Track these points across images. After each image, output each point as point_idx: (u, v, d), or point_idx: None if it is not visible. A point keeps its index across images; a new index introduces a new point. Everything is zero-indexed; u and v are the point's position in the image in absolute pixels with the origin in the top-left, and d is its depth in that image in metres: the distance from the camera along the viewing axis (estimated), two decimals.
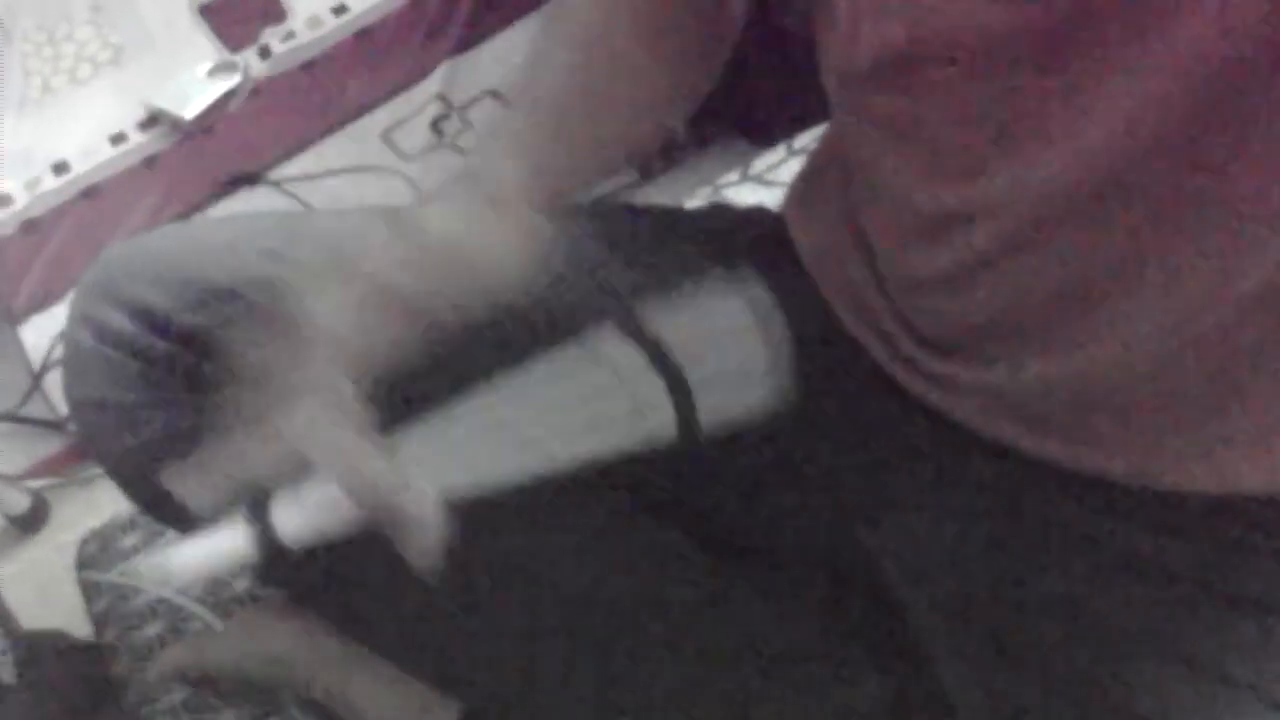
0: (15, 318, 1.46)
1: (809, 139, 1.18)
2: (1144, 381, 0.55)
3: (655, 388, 0.52)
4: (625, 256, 0.73)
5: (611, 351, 0.53)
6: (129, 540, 1.06)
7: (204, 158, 1.60)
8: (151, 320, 0.71)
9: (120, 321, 0.72)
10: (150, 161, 1.61)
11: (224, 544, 0.51)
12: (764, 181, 1.17)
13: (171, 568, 0.52)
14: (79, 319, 0.74)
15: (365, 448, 0.51)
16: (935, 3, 0.49)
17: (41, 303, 1.47)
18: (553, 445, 0.52)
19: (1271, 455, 0.56)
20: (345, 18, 1.73)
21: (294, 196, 1.51)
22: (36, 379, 1.37)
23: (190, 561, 0.52)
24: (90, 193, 1.59)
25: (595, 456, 0.53)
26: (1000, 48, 0.48)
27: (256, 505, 0.51)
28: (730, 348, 0.54)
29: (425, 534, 0.50)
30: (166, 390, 0.72)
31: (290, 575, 0.79)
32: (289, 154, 1.58)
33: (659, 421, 0.52)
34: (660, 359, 0.52)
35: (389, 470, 0.50)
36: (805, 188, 0.77)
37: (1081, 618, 0.62)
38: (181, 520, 0.81)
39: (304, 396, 0.52)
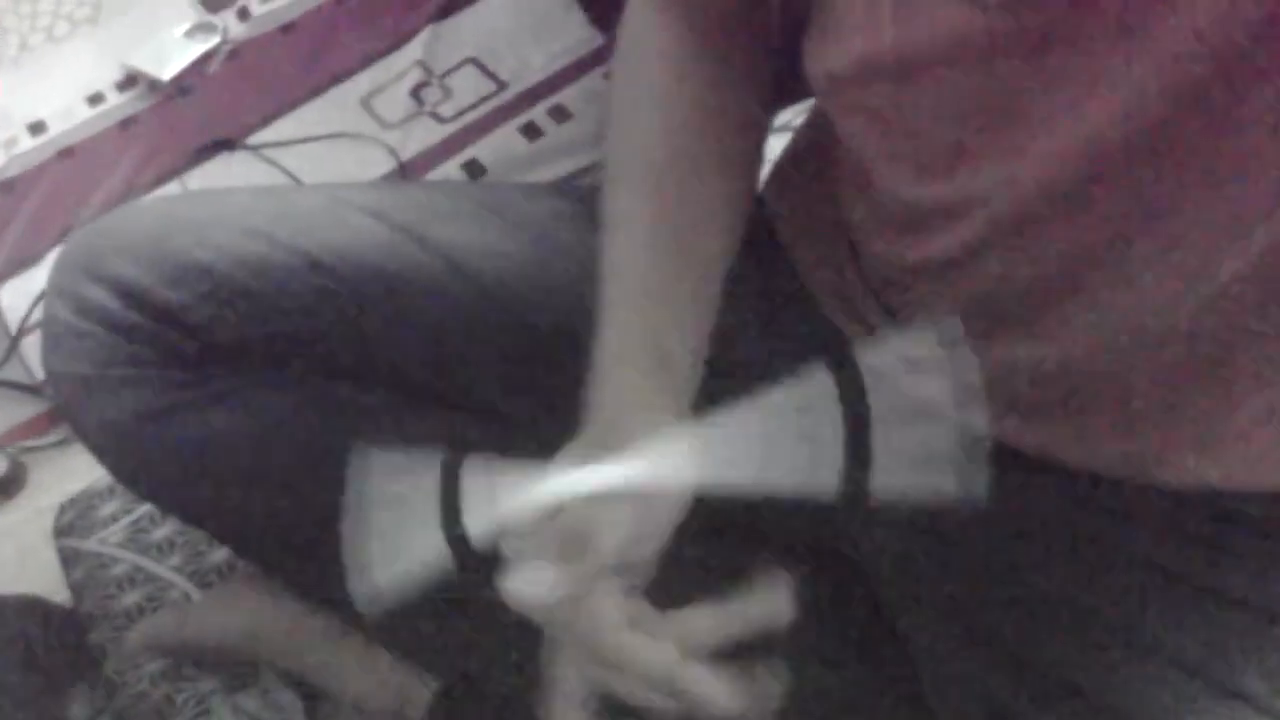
0: None
1: (790, 115, 1.18)
2: (1126, 370, 0.55)
3: (833, 421, 0.49)
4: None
5: (812, 385, 0.50)
6: (107, 508, 1.07)
7: (181, 120, 1.58)
8: (130, 295, 0.71)
9: (98, 296, 0.72)
10: (127, 123, 1.60)
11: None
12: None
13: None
14: (57, 292, 0.74)
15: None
16: (924, 9, 0.49)
17: (18, 265, 1.46)
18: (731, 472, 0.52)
19: (1262, 449, 0.56)
20: None
21: (272, 162, 1.50)
22: (14, 342, 1.36)
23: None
24: (66, 154, 1.57)
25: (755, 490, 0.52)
26: (990, 50, 0.48)
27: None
28: (921, 418, 0.50)
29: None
30: (145, 366, 0.72)
31: (269, 549, 0.79)
32: (267, 118, 1.57)
33: (826, 463, 0.50)
34: (851, 395, 0.49)
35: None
36: (786, 171, 0.77)
37: (1065, 613, 0.62)
38: (159, 497, 0.82)
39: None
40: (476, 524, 0.52)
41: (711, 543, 0.74)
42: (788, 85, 0.72)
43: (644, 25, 0.69)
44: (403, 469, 0.54)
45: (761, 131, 0.70)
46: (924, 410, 0.50)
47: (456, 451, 0.54)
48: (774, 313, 0.74)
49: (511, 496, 0.52)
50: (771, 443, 0.51)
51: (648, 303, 0.61)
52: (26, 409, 1.34)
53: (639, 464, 0.52)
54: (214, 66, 1.63)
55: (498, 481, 0.53)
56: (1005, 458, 0.64)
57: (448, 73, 1.58)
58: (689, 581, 0.73)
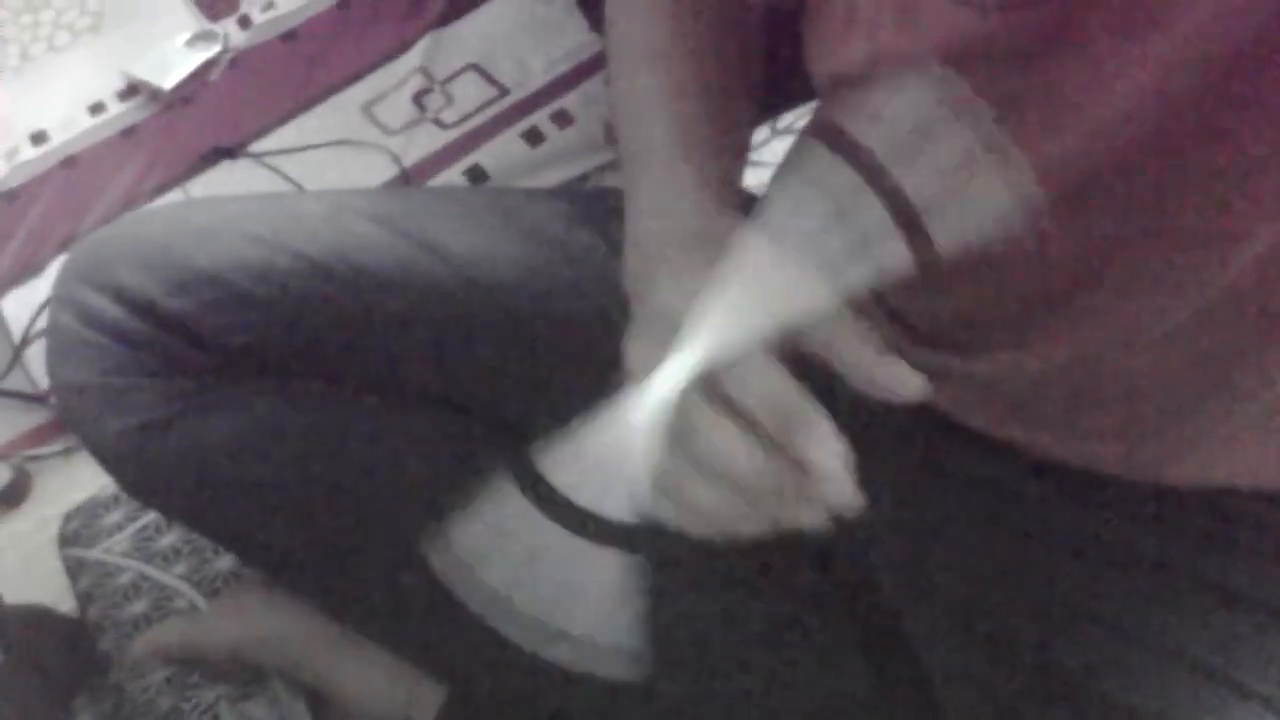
0: None
1: (793, 118, 1.18)
2: (1130, 372, 0.55)
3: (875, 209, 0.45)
4: (611, 241, 0.73)
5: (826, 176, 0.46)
6: (112, 517, 1.06)
7: (183, 129, 1.58)
8: (135, 304, 0.71)
9: (103, 305, 0.72)
10: (129, 132, 1.60)
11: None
12: (748, 162, 1.17)
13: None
14: (61, 302, 0.74)
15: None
16: (925, 13, 0.49)
17: (21, 275, 1.46)
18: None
19: (1265, 449, 0.56)
20: None
21: (274, 169, 1.50)
22: (17, 351, 1.36)
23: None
24: (69, 163, 1.57)
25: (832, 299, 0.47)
26: (990, 54, 0.48)
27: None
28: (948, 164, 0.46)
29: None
30: (150, 374, 0.72)
31: (276, 556, 0.79)
32: (269, 126, 1.57)
33: (889, 249, 0.46)
34: (877, 176, 0.45)
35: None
36: None
37: (1072, 611, 0.62)
38: (165, 505, 0.82)
39: None
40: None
41: (718, 551, 0.74)
42: (790, 87, 0.72)
43: None
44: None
45: (756, 73, 0.71)
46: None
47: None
48: None
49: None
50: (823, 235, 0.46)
51: (682, 146, 0.62)
52: (31, 418, 1.33)
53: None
54: (215, 75, 1.64)
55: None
56: (1010, 459, 0.65)
57: (449, 79, 1.58)
58: (695, 586, 0.73)
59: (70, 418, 0.76)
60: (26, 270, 1.46)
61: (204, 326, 0.71)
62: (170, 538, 1.04)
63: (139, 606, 1.00)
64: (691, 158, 0.61)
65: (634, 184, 0.62)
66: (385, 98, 1.57)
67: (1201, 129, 0.43)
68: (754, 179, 1.16)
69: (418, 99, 1.56)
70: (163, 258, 0.72)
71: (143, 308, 0.71)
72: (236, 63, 1.65)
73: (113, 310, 0.72)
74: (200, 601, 1.00)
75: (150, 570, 1.02)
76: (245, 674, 0.93)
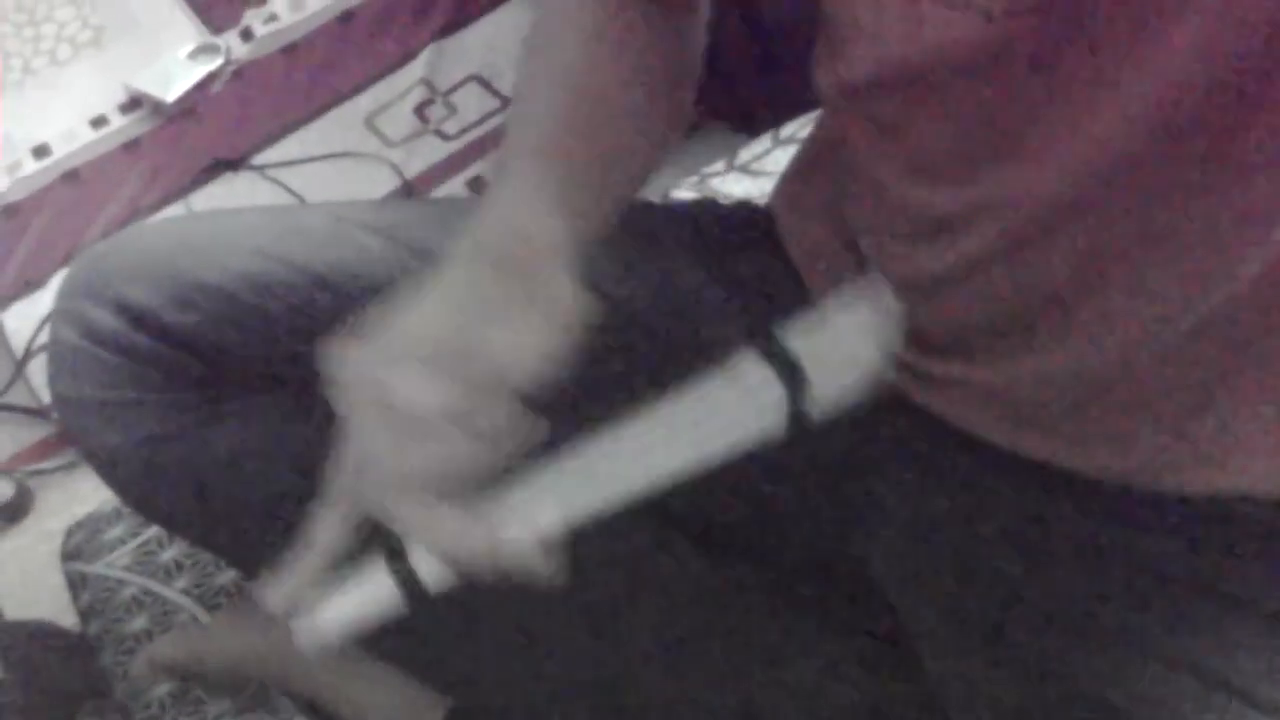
0: None
1: (795, 127, 1.18)
2: (1136, 379, 0.55)
3: (777, 396, 0.52)
4: (615, 254, 0.73)
5: (750, 377, 0.53)
6: (114, 531, 1.06)
7: (185, 141, 1.59)
8: (137, 318, 0.71)
9: (105, 319, 0.71)
10: (131, 145, 1.60)
11: (371, 595, 0.52)
12: (750, 171, 1.17)
13: (320, 625, 0.53)
14: (63, 315, 0.74)
15: (453, 521, 0.50)
16: (930, 20, 0.49)
17: (23, 289, 1.46)
18: (674, 463, 0.53)
19: (1269, 456, 0.56)
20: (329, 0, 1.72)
21: (277, 182, 1.50)
22: (19, 366, 1.36)
23: (340, 616, 0.53)
24: (71, 177, 1.58)
25: (705, 463, 0.53)
26: (995, 60, 0.48)
27: (395, 554, 0.51)
28: (851, 357, 0.54)
29: (531, 574, 0.50)
30: (153, 388, 0.72)
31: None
32: (271, 138, 1.57)
33: (773, 423, 0.53)
34: (791, 377, 0.52)
35: (481, 535, 0.50)
36: (794, 185, 0.77)
37: (1075, 618, 0.62)
38: (168, 520, 0.82)
39: (386, 471, 0.51)
40: (425, 561, 0.51)
41: (719, 562, 0.74)
42: (795, 97, 0.72)
43: None
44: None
45: (684, 93, 0.69)
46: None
47: None
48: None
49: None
50: (710, 415, 0.53)
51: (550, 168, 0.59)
52: (33, 433, 1.34)
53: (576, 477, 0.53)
54: (217, 87, 1.64)
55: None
56: (1014, 466, 0.64)
57: (451, 90, 1.58)
58: (700, 599, 0.73)
59: (71, 432, 0.76)
60: (28, 284, 1.47)
61: (207, 340, 0.71)
62: (173, 552, 1.04)
63: (141, 621, 1.00)
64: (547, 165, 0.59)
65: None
66: (387, 109, 1.57)
67: (1209, 132, 0.43)
68: (756, 189, 1.16)
69: (420, 110, 1.56)
70: (165, 271, 0.71)
71: (145, 321, 0.71)
72: (239, 75, 1.65)
73: (115, 324, 0.71)
74: (203, 616, 0.99)
75: (153, 585, 1.02)
76: (248, 689, 0.93)
